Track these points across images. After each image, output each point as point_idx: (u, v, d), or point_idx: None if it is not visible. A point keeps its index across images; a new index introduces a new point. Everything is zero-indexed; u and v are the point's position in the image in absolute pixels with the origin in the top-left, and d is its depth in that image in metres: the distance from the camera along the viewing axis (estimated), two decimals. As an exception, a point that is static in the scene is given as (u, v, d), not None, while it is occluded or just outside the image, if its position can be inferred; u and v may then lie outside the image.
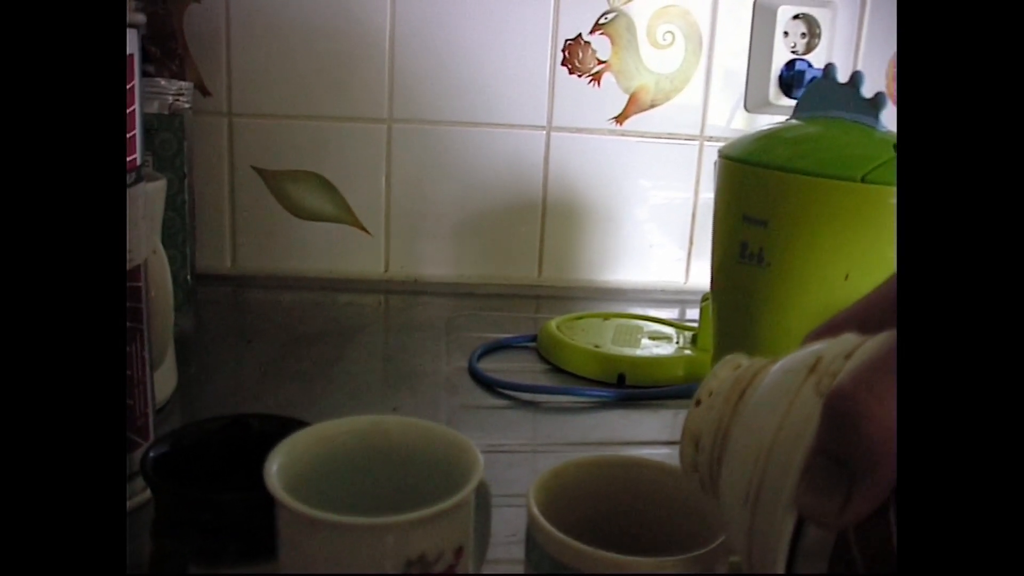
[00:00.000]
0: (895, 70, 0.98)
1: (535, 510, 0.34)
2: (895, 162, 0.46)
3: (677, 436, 0.60)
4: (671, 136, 0.95)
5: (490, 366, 0.72)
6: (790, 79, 0.93)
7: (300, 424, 0.38)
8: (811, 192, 0.47)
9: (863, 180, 0.45)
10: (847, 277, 0.47)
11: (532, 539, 0.34)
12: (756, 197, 0.49)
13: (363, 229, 0.94)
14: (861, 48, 0.97)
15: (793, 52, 0.93)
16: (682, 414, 0.65)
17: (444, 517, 0.30)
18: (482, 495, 0.35)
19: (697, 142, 0.95)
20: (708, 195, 0.94)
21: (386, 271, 0.96)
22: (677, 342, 0.75)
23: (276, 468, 0.32)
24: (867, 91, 0.50)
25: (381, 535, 0.30)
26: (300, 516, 0.30)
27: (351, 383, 0.68)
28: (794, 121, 0.54)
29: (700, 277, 0.98)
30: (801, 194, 0.47)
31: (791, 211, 0.48)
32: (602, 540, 0.33)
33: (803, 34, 0.94)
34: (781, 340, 0.50)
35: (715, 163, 0.54)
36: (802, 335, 0.48)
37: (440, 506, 0.30)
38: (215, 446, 0.39)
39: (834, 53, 0.94)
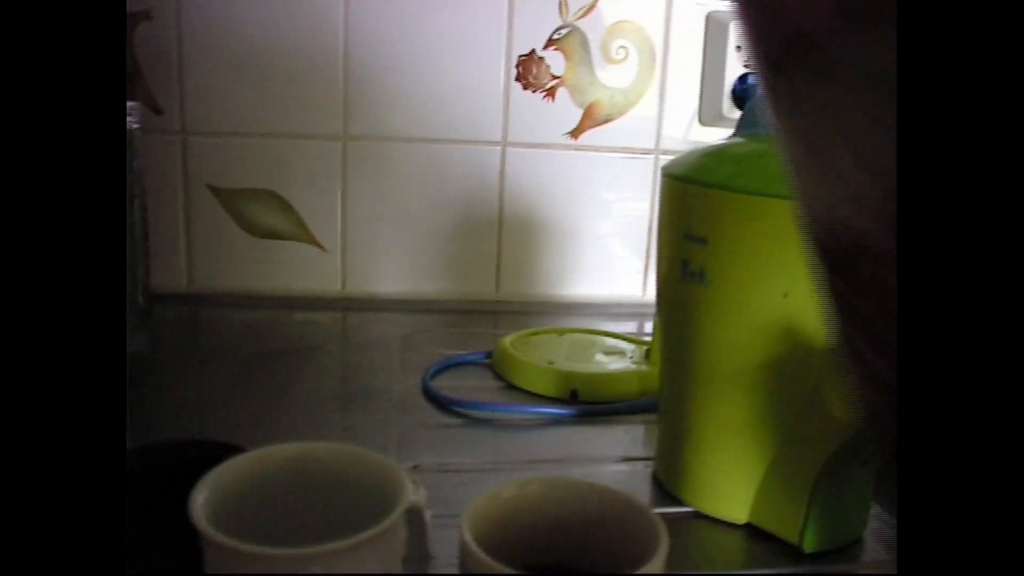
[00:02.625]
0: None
1: (467, 536, 0.34)
2: (831, 180, 0.46)
3: (631, 452, 0.61)
4: (626, 150, 0.95)
5: (444, 383, 0.72)
6: (743, 92, 0.93)
7: (236, 450, 0.38)
8: (750, 210, 0.47)
9: (799, 198, 0.46)
10: (786, 295, 0.47)
11: (465, 565, 0.34)
12: (697, 215, 0.49)
13: (319, 246, 0.94)
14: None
15: (746, 66, 0.94)
16: (635, 430, 0.66)
17: (370, 545, 0.30)
18: (415, 519, 0.35)
19: (652, 156, 0.96)
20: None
21: (343, 288, 0.95)
22: (631, 357, 0.75)
23: (202, 499, 0.31)
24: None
25: (306, 565, 0.30)
26: (224, 548, 0.29)
27: (305, 403, 0.68)
28: (737, 139, 0.54)
29: (649, 288, 0.99)
30: (740, 212, 0.47)
31: (730, 229, 0.48)
32: (540, 564, 0.33)
33: (756, 48, 0.94)
34: (722, 357, 0.50)
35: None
36: (741, 353, 0.49)
37: (365, 534, 0.30)
38: (151, 474, 0.39)
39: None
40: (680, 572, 0.48)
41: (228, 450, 0.39)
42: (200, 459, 0.38)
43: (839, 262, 0.27)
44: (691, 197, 0.50)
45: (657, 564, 0.33)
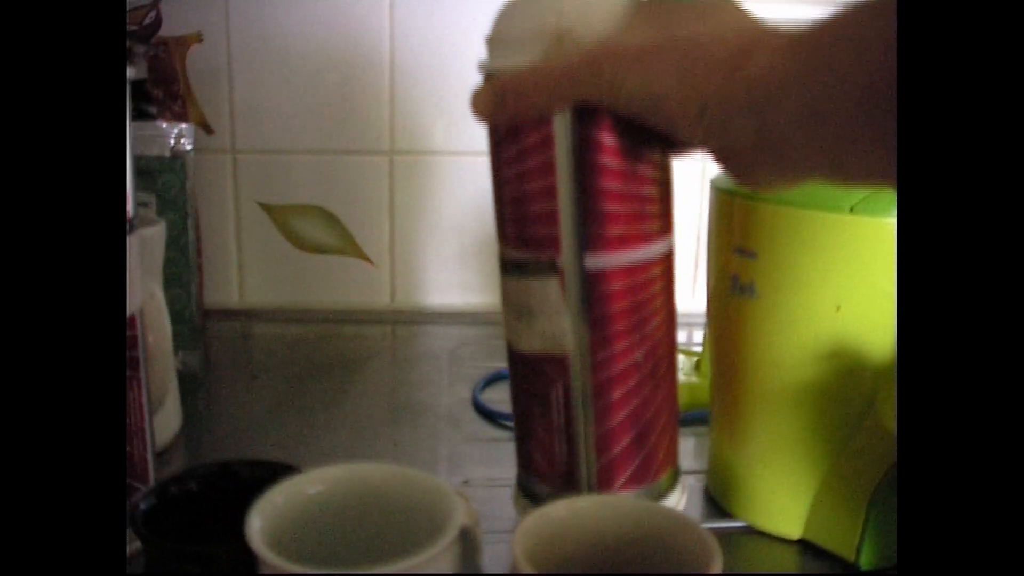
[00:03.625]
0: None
1: (518, 554, 0.34)
2: (883, 193, 0.45)
3: (685, 466, 0.60)
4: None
5: (494, 397, 0.72)
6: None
7: (288, 469, 0.38)
8: (800, 224, 0.46)
9: (851, 211, 0.45)
10: (839, 308, 0.46)
11: (517, 584, 0.34)
12: (746, 229, 0.49)
13: (368, 260, 0.95)
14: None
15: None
16: (685, 443, 0.65)
17: (424, 566, 0.31)
18: (467, 539, 0.36)
19: (699, 162, 0.95)
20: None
21: (392, 301, 0.96)
22: (681, 369, 0.75)
23: (258, 523, 0.32)
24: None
25: (361, 588, 0.30)
26: (281, 571, 0.30)
27: (354, 418, 0.69)
28: (784, 150, 0.54)
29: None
30: (790, 226, 0.47)
31: (781, 243, 0.47)
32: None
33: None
34: (773, 371, 0.50)
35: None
36: (793, 367, 0.49)
37: (419, 557, 0.30)
38: (204, 495, 0.40)
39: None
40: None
41: (282, 470, 0.40)
42: (255, 479, 0.38)
43: None
44: (740, 210, 0.50)
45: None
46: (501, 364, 0.78)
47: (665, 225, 0.44)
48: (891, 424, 0.47)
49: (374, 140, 0.92)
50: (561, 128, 0.41)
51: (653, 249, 0.43)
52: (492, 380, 0.75)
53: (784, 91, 0.32)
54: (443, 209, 0.94)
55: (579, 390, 0.44)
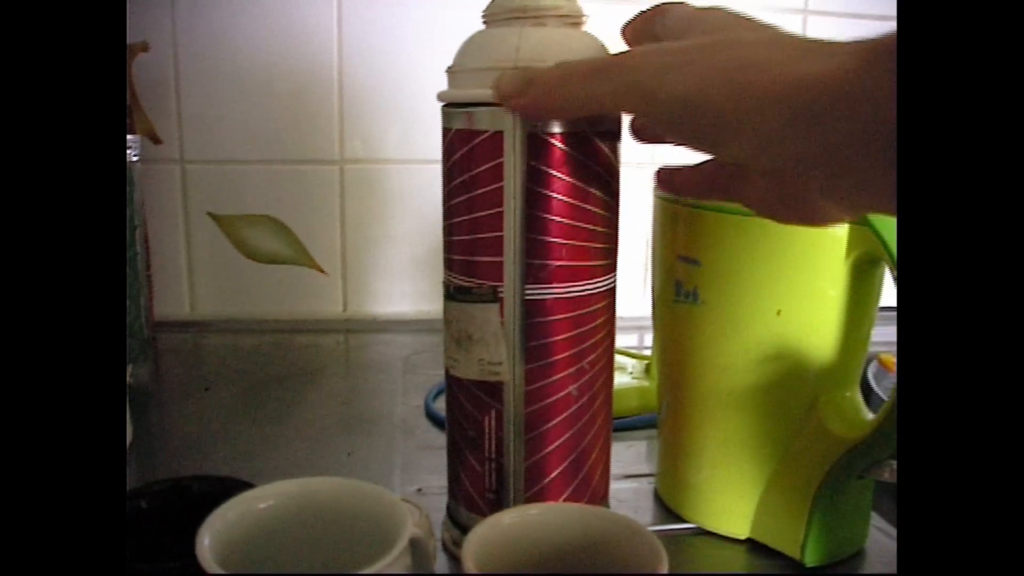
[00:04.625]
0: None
1: (469, 563, 0.34)
2: (819, 199, 0.47)
3: (632, 469, 0.62)
4: (625, 163, 0.96)
5: (447, 405, 0.72)
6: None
7: (241, 485, 0.39)
8: (741, 231, 0.48)
9: (789, 218, 0.46)
10: (779, 313, 0.48)
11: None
12: (690, 237, 0.50)
13: (320, 270, 0.95)
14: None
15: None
16: (637, 446, 0.66)
17: (375, 580, 0.31)
18: (418, 549, 0.36)
19: (649, 167, 0.97)
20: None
21: (344, 310, 0.96)
22: (631, 372, 0.76)
23: (208, 539, 0.32)
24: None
25: (312, 602, 0.30)
26: (232, 587, 0.30)
27: (308, 429, 0.69)
28: (725, 159, 0.55)
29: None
30: (732, 233, 0.48)
31: (723, 250, 0.49)
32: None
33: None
34: (718, 375, 0.51)
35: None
36: (736, 371, 0.50)
37: (368, 571, 0.31)
38: (156, 513, 0.40)
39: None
40: (683, 589, 0.49)
41: (235, 485, 0.40)
42: (207, 495, 0.38)
43: None
44: (683, 218, 0.51)
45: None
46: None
47: (610, 262, 0.45)
48: (832, 425, 0.49)
49: (324, 149, 0.92)
50: (512, 159, 0.41)
51: (596, 284, 0.45)
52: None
53: (850, 98, 0.28)
54: (395, 217, 0.95)
55: (512, 419, 0.45)
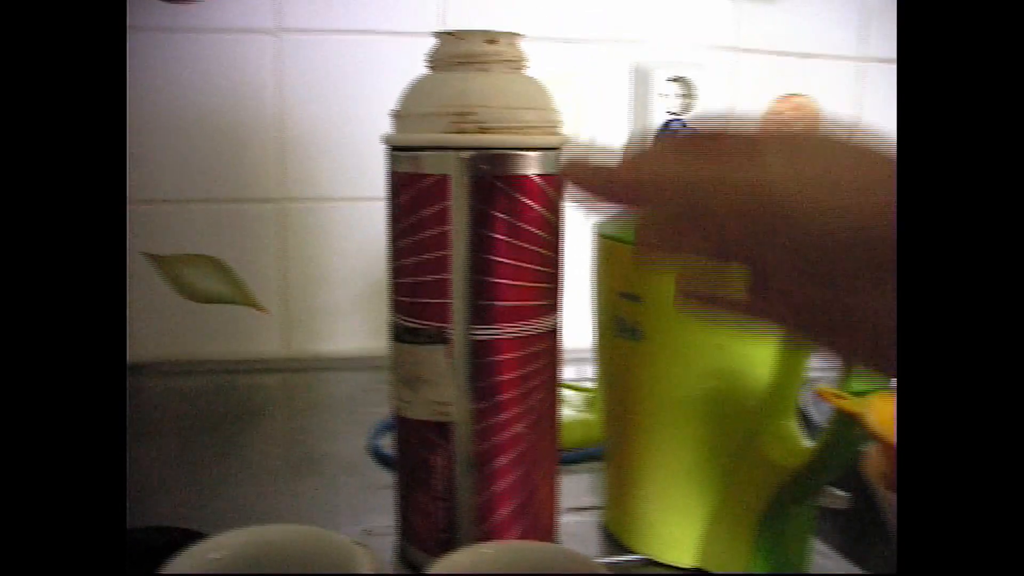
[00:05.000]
0: (770, 116, 1.03)
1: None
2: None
3: (579, 502, 0.62)
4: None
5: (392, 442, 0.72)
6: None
7: (187, 535, 0.38)
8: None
9: (726, 255, 0.48)
10: (720, 347, 0.49)
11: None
12: (630, 274, 0.51)
13: (260, 308, 0.94)
14: (735, 103, 1.02)
15: (671, 112, 0.98)
16: (581, 479, 0.67)
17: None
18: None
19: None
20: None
21: (286, 349, 0.96)
22: (574, 405, 0.77)
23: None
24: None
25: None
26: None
27: (252, 472, 0.68)
28: (663, 196, 0.56)
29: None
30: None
31: (663, 287, 0.50)
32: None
33: (680, 95, 0.98)
34: (661, 408, 0.52)
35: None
36: (679, 404, 0.51)
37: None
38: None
39: (710, 109, 0.99)
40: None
41: (180, 536, 0.39)
42: (151, 548, 0.38)
43: None
44: (622, 256, 0.52)
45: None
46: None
47: (554, 301, 0.46)
48: (773, 453, 0.50)
49: (265, 187, 0.92)
50: (458, 202, 0.42)
51: (541, 324, 0.46)
52: (390, 426, 0.75)
53: None
54: (336, 255, 0.95)
55: (462, 458, 0.45)
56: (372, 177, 0.93)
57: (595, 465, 0.68)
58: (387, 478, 0.66)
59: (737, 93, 1.02)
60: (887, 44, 1.06)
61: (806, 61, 1.04)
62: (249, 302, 0.94)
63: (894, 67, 1.07)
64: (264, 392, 0.88)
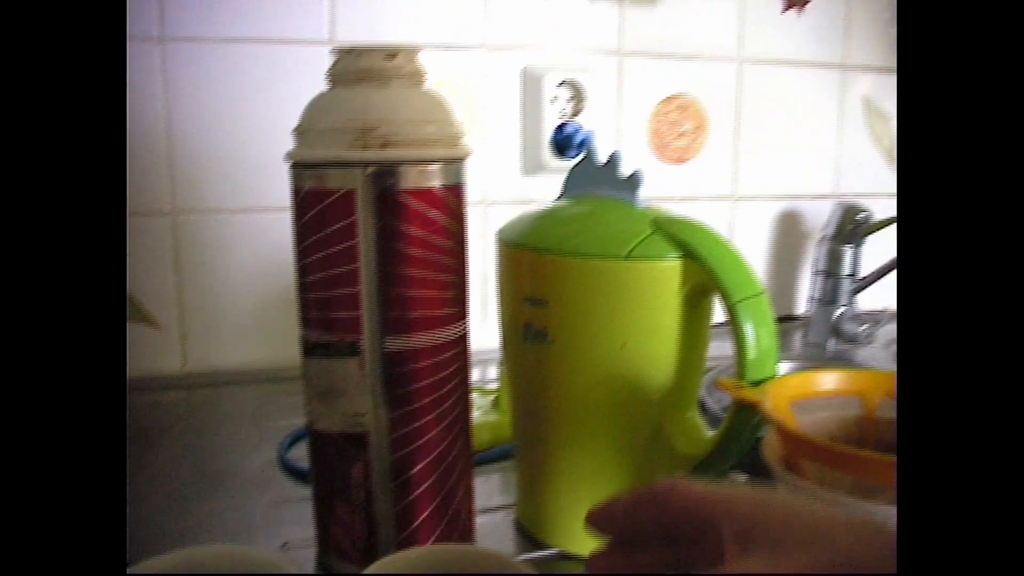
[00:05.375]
0: (657, 116, 1.06)
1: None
2: (654, 237, 0.50)
3: (490, 502, 0.63)
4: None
5: (301, 454, 0.72)
6: (562, 141, 0.99)
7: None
8: (583, 272, 0.51)
9: (627, 257, 0.50)
10: (623, 346, 0.51)
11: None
12: (535, 280, 0.53)
13: (154, 324, 0.92)
14: (623, 105, 1.05)
15: (562, 116, 1.00)
16: (491, 479, 0.68)
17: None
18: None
19: (481, 207, 1.00)
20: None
21: (184, 365, 0.94)
22: (480, 407, 0.78)
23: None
24: (624, 170, 0.55)
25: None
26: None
27: (160, 492, 0.67)
28: (562, 201, 0.58)
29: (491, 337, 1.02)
30: (574, 275, 0.51)
31: (567, 291, 0.51)
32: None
33: (570, 98, 1.00)
34: (570, 407, 0.53)
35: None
36: (587, 403, 0.53)
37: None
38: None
39: (599, 112, 1.01)
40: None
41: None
42: None
43: None
44: (527, 263, 0.53)
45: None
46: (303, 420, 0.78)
47: (461, 308, 0.48)
48: (677, 444, 0.52)
49: (154, 201, 0.90)
50: (364, 216, 0.43)
51: (450, 331, 0.47)
52: (298, 438, 0.75)
53: None
54: (232, 267, 0.93)
55: (380, 467, 0.46)
56: (264, 187, 0.92)
57: (502, 465, 0.70)
58: (299, 491, 0.66)
59: (624, 95, 1.04)
60: (763, 45, 1.11)
61: (688, 63, 1.08)
62: (142, 318, 0.92)
63: (770, 67, 1.12)
64: (164, 410, 0.86)
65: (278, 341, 0.96)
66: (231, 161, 0.91)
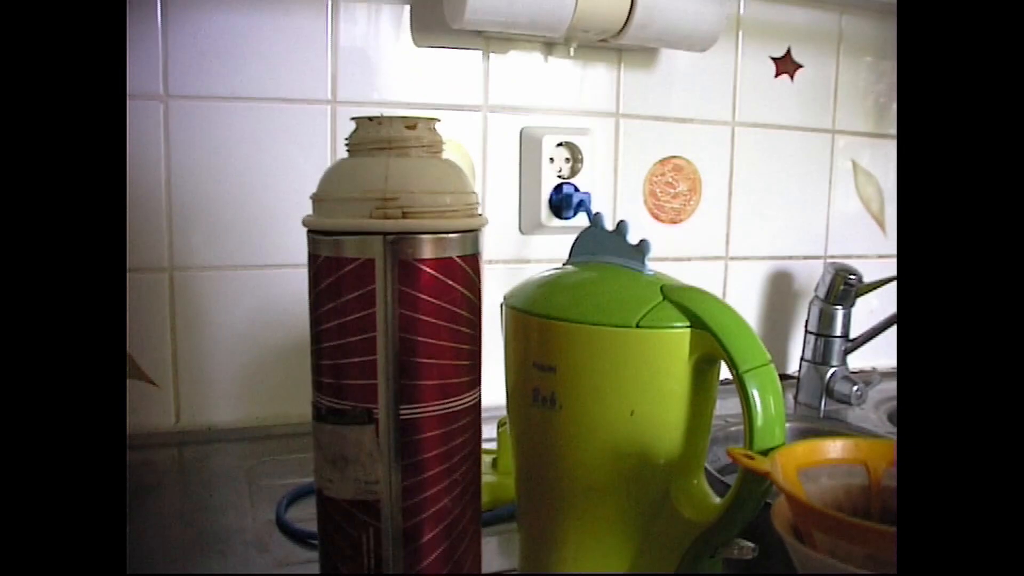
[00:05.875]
0: (652, 178, 1.07)
1: None
2: (663, 305, 0.51)
3: (491, 566, 0.63)
4: (454, 262, 0.99)
5: (301, 515, 0.71)
6: (559, 202, 1.00)
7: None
8: (593, 339, 0.51)
9: (638, 326, 0.50)
10: (632, 413, 0.51)
11: None
12: (543, 346, 0.53)
13: (150, 381, 0.91)
14: (620, 166, 1.06)
15: (560, 176, 1.01)
16: (490, 541, 0.68)
17: None
18: None
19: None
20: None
21: (177, 422, 0.93)
22: (480, 468, 0.78)
23: None
24: (632, 238, 0.56)
25: None
26: None
27: (155, 553, 0.66)
28: (570, 267, 0.59)
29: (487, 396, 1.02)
30: (583, 342, 0.51)
31: (576, 357, 0.52)
32: None
33: (567, 159, 1.01)
34: (577, 472, 0.53)
35: (501, 307, 0.58)
36: (594, 468, 0.53)
37: None
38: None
39: (596, 173, 1.03)
40: None
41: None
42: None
43: None
44: (535, 329, 0.54)
45: None
46: (302, 479, 0.78)
47: (476, 377, 0.48)
48: (684, 511, 0.52)
49: (152, 256, 0.90)
50: (383, 285, 0.43)
51: (465, 399, 0.47)
52: (296, 497, 0.75)
53: None
54: (227, 323, 0.93)
55: (391, 533, 0.46)
56: (261, 245, 0.93)
57: (503, 528, 0.69)
58: (299, 553, 0.66)
59: (620, 157, 1.06)
60: (756, 109, 1.13)
61: (684, 125, 1.09)
62: (136, 375, 0.91)
63: (762, 130, 1.14)
64: (156, 468, 0.85)
65: (272, 398, 0.95)
66: (229, 218, 0.91)
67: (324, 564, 0.49)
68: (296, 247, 0.92)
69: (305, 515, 0.71)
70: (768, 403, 0.49)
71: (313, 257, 0.46)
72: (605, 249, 0.57)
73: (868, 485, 0.50)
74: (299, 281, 0.94)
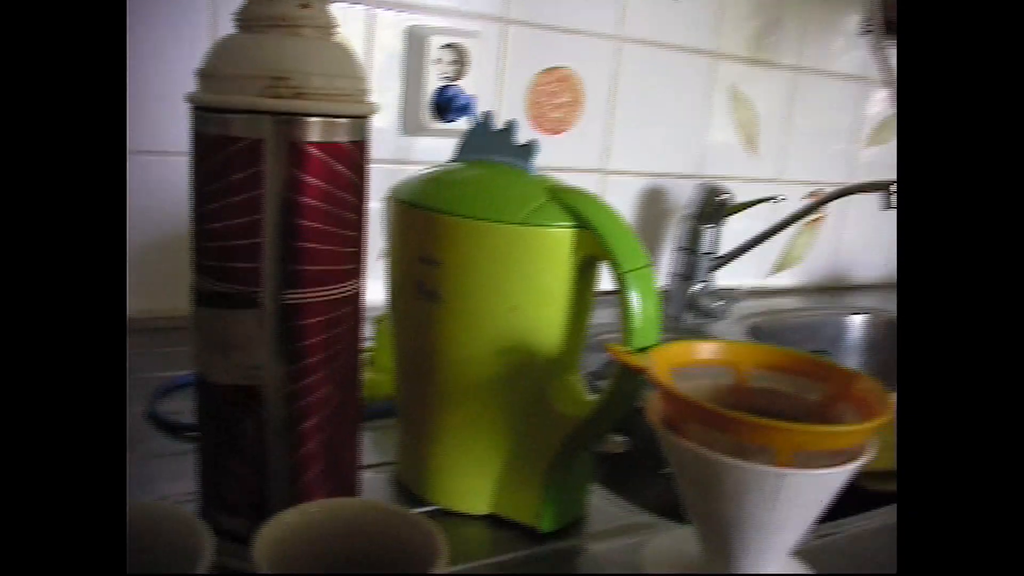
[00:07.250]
0: (536, 87, 1.08)
1: (257, 556, 0.35)
2: (548, 205, 0.52)
3: (367, 459, 0.64)
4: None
5: (173, 407, 0.70)
6: (443, 104, 0.99)
7: None
8: (478, 234, 0.52)
9: (521, 223, 0.51)
10: (513, 309, 0.52)
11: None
12: (429, 239, 0.53)
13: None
14: (505, 73, 1.06)
15: (445, 78, 1.00)
16: (369, 437, 0.69)
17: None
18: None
19: (360, 166, 0.99)
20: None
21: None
22: (358, 365, 0.78)
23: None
24: (520, 137, 0.56)
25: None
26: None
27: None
28: (457, 164, 0.59)
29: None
30: (469, 237, 0.52)
31: (461, 252, 0.52)
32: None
33: (453, 61, 1.00)
34: (457, 367, 0.55)
35: (385, 200, 0.58)
36: (474, 363, 0.54)
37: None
38: None
39: (481, 77, 1.02)
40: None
41: None
42: None
43: None
44: (421, 222, 0.54)
45: (440, 567, 0.37)
46: (175, 372, 0.76)
47: (358, 266, 0.48)
48: (560, 406, 0.54)
49: None
50: (271, 166, 0.42)
51: (348, 287, 0.47)
52: (168, 390, 0.73)
53: None
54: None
55: (274, 420, 0.46)
56: (132, 129, 0.88)
57: (380, 423, 0.70)
58: (172, 445, 0.65)
59: (507, 63, 1.06)
60: (643, 27, 1.14)
61: (570, 36, 1.09)
62: None
63: (647, 48, 1.15)
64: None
65: (145, 290, 0.92)
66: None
67: (205, 452, 0.49)
68: (170, 132, 0.89)
69: (178, 408, 0.70)
70: (647, 304, 0.51)
71: (198, 135, 0.45)
72: (492, 148, 0.58)
73: (734, 385, 0.53)
74: (176, 169, 0.90)
